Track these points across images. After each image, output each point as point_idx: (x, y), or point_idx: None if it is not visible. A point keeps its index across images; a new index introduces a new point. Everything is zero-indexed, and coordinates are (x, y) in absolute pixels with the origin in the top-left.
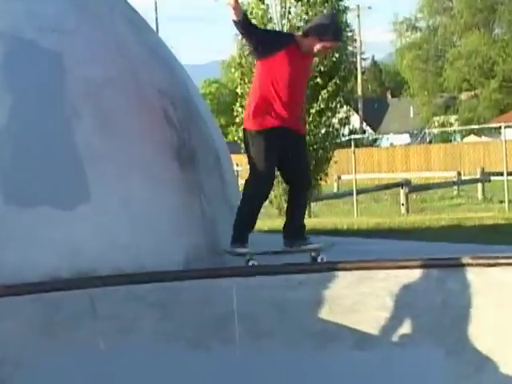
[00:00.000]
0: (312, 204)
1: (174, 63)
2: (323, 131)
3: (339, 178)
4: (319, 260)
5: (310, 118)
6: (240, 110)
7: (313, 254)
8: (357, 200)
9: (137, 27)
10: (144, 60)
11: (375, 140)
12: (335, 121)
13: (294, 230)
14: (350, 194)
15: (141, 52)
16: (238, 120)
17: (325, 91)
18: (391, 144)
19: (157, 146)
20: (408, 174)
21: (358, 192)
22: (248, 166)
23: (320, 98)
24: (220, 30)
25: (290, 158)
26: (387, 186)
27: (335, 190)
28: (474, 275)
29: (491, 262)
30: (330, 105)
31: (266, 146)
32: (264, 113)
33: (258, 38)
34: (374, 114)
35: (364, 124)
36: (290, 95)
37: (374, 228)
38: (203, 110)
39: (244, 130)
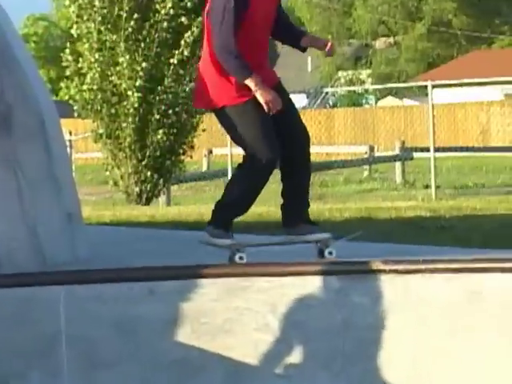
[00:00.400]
0: (173, 188)
1: None
2: (187, 88)
3: (210, 152)
4: (326, 254)
5: (170, 71)
6: (70, 58)
7: (319, 245)
8: None
9: None
10: None
11: None
12: None
13: (296, 213)
14: (224, 174)
15: None
16: (68, 72)
17: (189, 34)
18: None
19: None
20: None
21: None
22: (239, 147)
23: (183, 43)
24: None
25: (283, 116)
26: None
27: (204, 169)
28: (386, 285)
29: (410, 267)
30: (198, 52)
31: (260, 119)
32: None
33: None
34: None
35: None
36: (264, 48)
37: (255, 220)
38: (23, 56)
39: (221, 108)
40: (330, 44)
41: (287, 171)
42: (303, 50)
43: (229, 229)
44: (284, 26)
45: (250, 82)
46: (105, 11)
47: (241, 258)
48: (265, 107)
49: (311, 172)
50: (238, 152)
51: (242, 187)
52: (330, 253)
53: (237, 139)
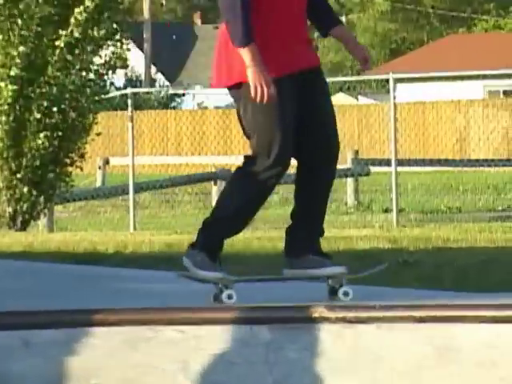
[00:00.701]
0: (57, 208)
1: None
2: (77, 79)
3: (106, 162)
4: (341, 295)
5: (56, 57)
6: None
7: (331, 283)
8: (136, 202)
9: None
10: None
11: (173, 97)
12: (99, 61)
13: (306, 240)
14: (125, 190)
15: None
16: None
17: (81, 9)
18: (200, 105)
19: None
20: (228, 159)
21: (140, 188)
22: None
23: (73, 20)
24: None
25: (311, 111)
26: (190, 179)
27: (98, 184)
28: (332, 337)
29: (362, 314)
30: (91, 33)
31: (277, 105)
32: (271, 53)
33: None
34: (173, 52)
35: (153, 69)
36: (297, 15)
37: (164, 252)
38: None
39: (234, 86)
40: (368, 59)
41: (303, 184)
42: (325, 35)
43: (216, 257)
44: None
45: (244, 52)
46: None
47: (229, 296)
48: (251, 90)
49: None
50: (146, 162)
51: (239, 195)
52: (346, 293)
53: (245, 129)
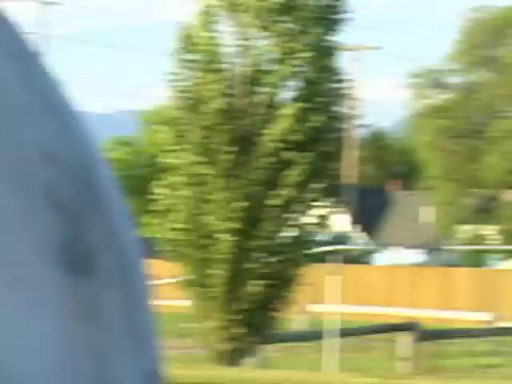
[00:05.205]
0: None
1: (71, 113)
2: (292, 234)
3: (303, 309)
4: None
5: (271, 214)
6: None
7: None
8: (331, 346)
9: (22, 63)
10: (29, 110)
11: (367, 254)
12: (310, 220)
13: None
14: (318, 336)
15: (25, 100)
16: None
17: (293, 173)
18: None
19: (33, 241)
20: (415, 311)
21: (343, 334)
22: None
23: (284, 182)
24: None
25: None
26: (381, 329)
27: (296, 327)
28: None
29: None
30: (303, 195)
31: None
32: None
33: None
34: (372, 214)
35: (356, 227)
36: None
37: None
38: (109, 185)
39: None
40: None
41: None
42: None
43: None
44: None
45: None
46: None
47: None
48: None
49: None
50: (339, 311)
51: None
52: None
53: None
